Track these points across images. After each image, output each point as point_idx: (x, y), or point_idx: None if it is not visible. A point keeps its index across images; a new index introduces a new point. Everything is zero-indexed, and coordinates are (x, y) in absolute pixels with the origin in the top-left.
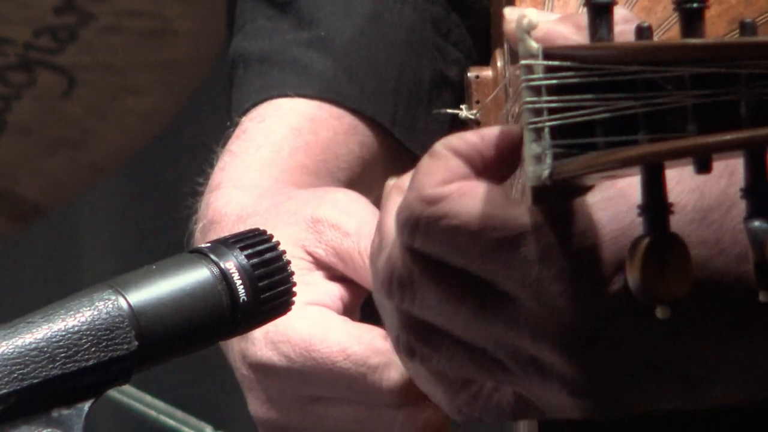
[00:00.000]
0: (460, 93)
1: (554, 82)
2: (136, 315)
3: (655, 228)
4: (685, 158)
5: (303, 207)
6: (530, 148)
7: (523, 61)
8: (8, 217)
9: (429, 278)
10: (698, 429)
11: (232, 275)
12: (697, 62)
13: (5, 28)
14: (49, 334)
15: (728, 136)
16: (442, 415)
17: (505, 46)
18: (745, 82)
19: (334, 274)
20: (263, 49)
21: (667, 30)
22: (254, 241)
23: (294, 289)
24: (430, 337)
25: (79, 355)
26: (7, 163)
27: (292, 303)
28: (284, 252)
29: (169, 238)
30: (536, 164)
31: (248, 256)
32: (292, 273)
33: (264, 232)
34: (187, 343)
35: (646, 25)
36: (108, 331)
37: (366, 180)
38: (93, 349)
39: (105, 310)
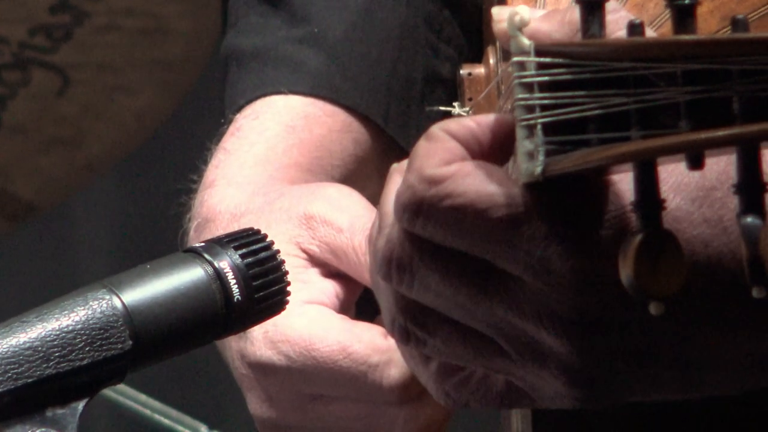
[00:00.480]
0: (453, 90)
1: (546, 78)
2: (130, 314)
3: (648, 224)
4: (678, 154)
5: (295, 204)
6: (523, 145)
7: (515, 58)
8: (3, 217)
9: (428, 260)
10: (682, 426)
11: (227, 274)
12: (689, 58)
13: (0, 27)
14: (43, 334)
15: (720, 133)
16: (443, 412)
17: (498, 43)
18: (737, 78)
19: (329, 271)
20: (256, 46)
21: (660, 26)
22: (248, 241)
23: (288, 288)
24: (426, 321)
25: (74, 354)
26: (2, 162)
27: (287, 302)
28: (278, 251)
29: (164, 237)
30: (529, 161)
31: (242, 256)
32: (286, 272)
33: (258, 232)
34: (181, 343)
35: (637, 21)
36: (102, 331)
37: (360, 177)
38: (87, 349)
39: (99, 310)
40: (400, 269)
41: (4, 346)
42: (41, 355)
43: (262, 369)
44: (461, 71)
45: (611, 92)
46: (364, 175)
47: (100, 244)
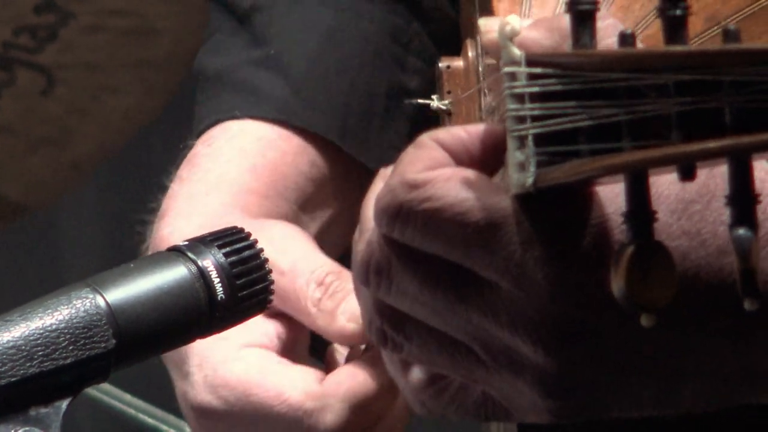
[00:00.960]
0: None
1: (537, 89)
2: (114, 313)
3: (639, 235)
4: (669, 166)
5: None
6: (514, 156)
7: (505, 69)
8: None
9: (406, 265)
10: None
11: (210, 273)
12: (681, 69)
13: None
14: (26, 333)
15: (713, 144)
16: None
17: (477, 37)
18: (728, 90)
19: (271, 312)
20: (217, 69)
21: (645, 28)
22: (232, 239)
23: (272, 287)
24: (404, 326)
25: (57, 353)
26: None
27: (270, 301)
28: (262, 250)
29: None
30: (520, 172)
31: (226, 254)
32: (270, 271)
33: (242, 230)
34: (165, 341)
35: (629, 32)
36: (86, 329)
37: (319, 198)
38: (71, 347)
39: (83, 308)
40: (378, 273)
41: None
42: (24, 354)
43: (203, 412)
44: (440, 64)
45: (603, 103)
46: (323, 196)
47: (86, 244)
